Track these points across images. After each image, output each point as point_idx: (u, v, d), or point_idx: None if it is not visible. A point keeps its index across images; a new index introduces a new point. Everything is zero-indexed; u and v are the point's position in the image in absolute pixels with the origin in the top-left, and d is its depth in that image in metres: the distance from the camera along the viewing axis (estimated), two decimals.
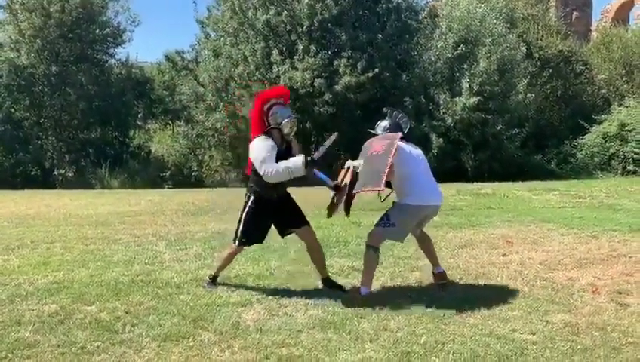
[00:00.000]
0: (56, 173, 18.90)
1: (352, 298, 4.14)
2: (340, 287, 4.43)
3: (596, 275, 4.70)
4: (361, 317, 3.78)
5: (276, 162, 4.11)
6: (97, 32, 20.07)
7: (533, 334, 3.49)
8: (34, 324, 3.66)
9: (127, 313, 3.89)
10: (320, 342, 3.38)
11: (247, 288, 4.45)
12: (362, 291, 4.17)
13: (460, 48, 16.73)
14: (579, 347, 3.29)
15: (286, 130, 4.26)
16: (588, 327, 3.57)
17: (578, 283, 4.51)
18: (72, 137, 19.79)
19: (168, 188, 16.44)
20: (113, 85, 20.38)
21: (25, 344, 3.36)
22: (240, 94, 16.44)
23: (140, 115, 22.30)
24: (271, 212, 4.37)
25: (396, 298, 4.17)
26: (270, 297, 4.22)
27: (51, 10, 18.49)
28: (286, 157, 4.16)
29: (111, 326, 3.64)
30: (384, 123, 4.60)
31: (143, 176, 17.88)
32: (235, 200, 9.61)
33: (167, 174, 18.48)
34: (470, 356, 3.18)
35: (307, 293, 4.31)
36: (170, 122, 22.92)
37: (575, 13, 30.87)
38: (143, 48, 62.89)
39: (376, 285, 4.52)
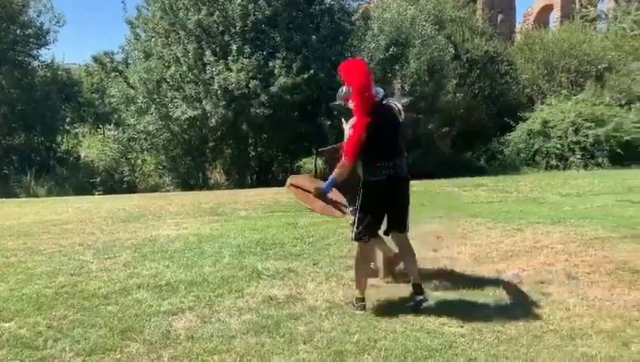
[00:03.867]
0: None
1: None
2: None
3: (521, 266, 4.90)
4: (295, 319, 3.77)
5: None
6: (18, 32, 19.06)
7: (462, 327, 3.60)
8: None
9: (49, 327, 3.70)
10: (253, 347, 3.35)
11: (178, 296, 4.33)
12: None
13: (391, 49, 17.08)
14: (504, 337, 3.43)
15: None
16: (512, 318, 3.72)
17: (504, 275, 4.69)
18: None
19: (99, 194, 15.83)
20: (37, 88, 19.42)
21: None
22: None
23: (67, 119, 21.31)
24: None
25: (331, 298, 4.18)
26: (203, 304, 4.13)
27: None
28: None
29: (31, 343, 3.45)
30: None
31: (72, 182, 17.10)
32: (167, 205, 9.41)
33: (98, 180, 17.78)
34: (401, 351, 3.23)
35: (241, 298, 4.25)
36: (99, 126, 22.09)
37: (500, 16, 32.27)
38: (70, 49, 60.20)
39: (311, 286, 4.53)
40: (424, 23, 17.98)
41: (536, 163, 17.56)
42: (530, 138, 17.90)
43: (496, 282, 4.51)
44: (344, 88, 4.39)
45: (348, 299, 4.12)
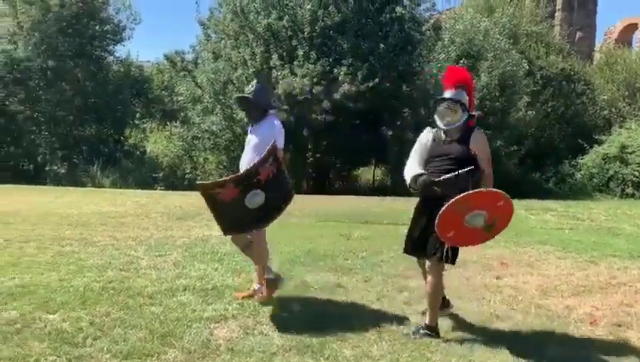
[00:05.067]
0: (47, 168, 18.61)
1: None
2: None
3: (594, 304, 4.44)
4: (341, 341, 3.52)
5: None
6: (97, 28, 19.84)
7: None
8: None
9: (91, 324, 3.62)
10: None
11: (223, 302, 4.17)
12: None
13: (461, 61, 16.53)
14: None
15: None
16: None
17: (575, 313, 4.24)
18: (66, 133, 19.48)
19: (160, 189, 16.16)
20: (111, 82, 20.14)
21: None
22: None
23: (136, 114, 22.02)
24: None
25: (381, 321, 3.90)
26: (247, 313, 3.95)
27: (51, 3, 18.25)
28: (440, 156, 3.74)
29: (71, 339, 3.37)
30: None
31: (136, 176, 17.57)
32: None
33: (161, 175, 18.20)
34: None
35: (287, 310, 4.05)
36: (166, 123, 22.68)
37: (578, 34, 30.82)
38: (144, 47, 62.70)
39: (360, 305, 4.26)
40: (498, 36, 17.32)
41: (610, 189, 16.50)
42: (606, 163, 16.84)
43: (565, 319, 4.08)
44: (255, 84, 4.23)
45: (416, 326, 3.76)
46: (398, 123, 16.57)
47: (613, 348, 3.57)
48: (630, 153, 16.37)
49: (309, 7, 15.85)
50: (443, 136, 3.79)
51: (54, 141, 19.16)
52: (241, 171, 4.04)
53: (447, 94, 3.77)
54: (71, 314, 3.78)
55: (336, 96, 15.36)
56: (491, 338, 3.65)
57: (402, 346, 3.49)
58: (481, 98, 16.06)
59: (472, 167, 3.64)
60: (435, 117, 3.80)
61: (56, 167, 18.71)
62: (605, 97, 20.54)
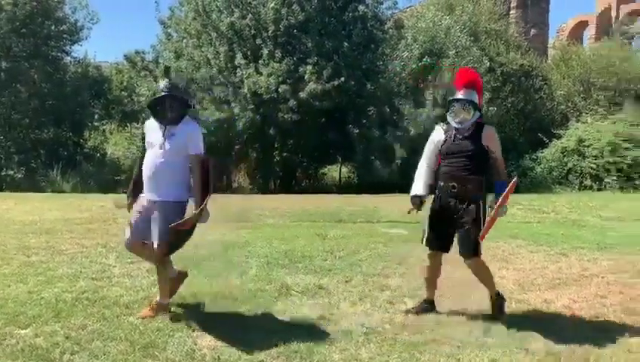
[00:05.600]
0: (3, 173, 17.91)
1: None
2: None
3: (571, 297, 4.53)
4: (329, 345, 3.47)
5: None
6: (52, 27, 19.17)
7: None
8: None
9: (67, 338, 3.45)
10: None
11: (203, 309, 4.07)
12: None
13: (424, 59, 16.75)
14: None
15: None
16: (570, 357, 3.36)
17: (554, 306, 4.33)
18: (23, 137, 18.77)
19: (123, 192, 15.70)
20: (68, 84, 19.50)
21: None
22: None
23: (95, 116, 21.40)
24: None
25: (367, 321, 3.87)
26: (229, 320, 3.86)
27: (3, 2, 17.54)
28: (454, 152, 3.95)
29: (47, 355, 3.21)
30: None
31: (97, 179, 17.09)
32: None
33: (123, 178, 17.71)
34: None
35: (270, 316, 3.98)
36: (127, 124, 22.11)
37: (533, 30, 31.65)
38: (102, 48, 61.16)
39: (344, 306, 4.23)
40: (459, 33, 17.64)
41: (570, 182, 17.00)
42: (564, 156, 17.36)
43: (545, 312, 4.15)
44: (172, 79, 4.05)
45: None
46: (364, 121, 16.65)
47: (595, 339, 3.63)
48: (587, 146, 16.91)
49: (272, 5, 15.75)
50: (454, 133, 3.98)
51: (10, 145, 18.44)
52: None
53: (460, 95, 3.97)
54: (44, 329, 3.60)
55: (302, 95, 15.31)
56: (477, 336, 3.66)
57: (390, 347, 3.47)
58: (444, 94, 16.32)
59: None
60: (449, 116, 4.02)
61: (12, 172, 18.02)
62: (562, 92, 21.17)
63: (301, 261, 5.57)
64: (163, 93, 3.81)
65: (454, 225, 3.93)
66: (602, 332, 3.78)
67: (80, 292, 4.35)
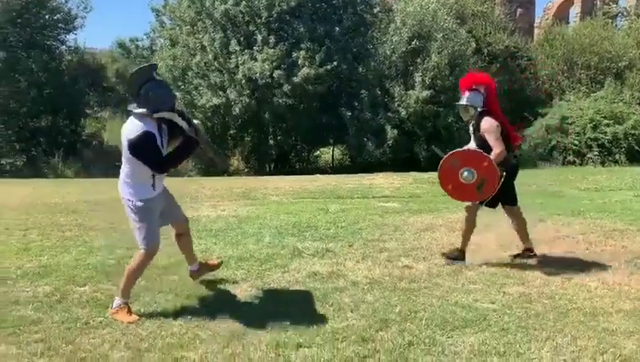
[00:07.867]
0: (4, 162, 18.39)
1: None
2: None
3: (544, 253, 5.26)
4: (340, 292, 4.17)
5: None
6: (47, 17, 19.57)
7: (493, 303, 3.97)
8: (32, 304, 3.85)
9: None
10: (307, 312, 3.75)
11: (231, 269, 4.74)
12: None
13: (413, 43, 17.34)
14: (532, 312, 3.79)
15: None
16: (539, 296, 4.09)
17: (530, 261, 5.05)
18: (22, 125, 19.25)
19: None
20: (65, 72, 19.92)
21: (29, 321, 3.56)
22: None
23: (92, 104, 21.86)
24: None
25: (370, 275, 4.57)
26: (254, 276, 4.55)
27: None
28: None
29: (108, 305, 3.86)
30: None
31: (99, 165, 17.62)
32: (201, 189, 9.83)
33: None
34: (440, 321, 3.61)
35: (288, 273, 4.66)
36: (123, 111, 22.52)
37: (519, 10, 32.15)
38: (95, 35, 60.78)
39: (350, 264, 4.93)
40: (446, 16, 18.20)
41: (554, 158, 17.74)
42: (548, 133, 18.07)
43: (521, 266, 4.88)
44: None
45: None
46: (356, 104, 17.26)
47: (561, 282, 4.38)
48: (570, 124, 17.63)
49: None
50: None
51: (10, 134, 18.90)
52: None
53: (461, 100, 4.86)
54: (99, 286, 4.27)
55: (296, 79, 15.89)
56: (463, 283, 4.39)
57: (391, 293, 4.17)
58: (432, 77, 16.96)
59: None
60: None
61: (13, 160, 18.52)
62: (546, 72, 21.84)
63: (308, 230, 6.26)
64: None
65: None
66: (568, 279, 4.51)
67: (120, 258, 5.00)
